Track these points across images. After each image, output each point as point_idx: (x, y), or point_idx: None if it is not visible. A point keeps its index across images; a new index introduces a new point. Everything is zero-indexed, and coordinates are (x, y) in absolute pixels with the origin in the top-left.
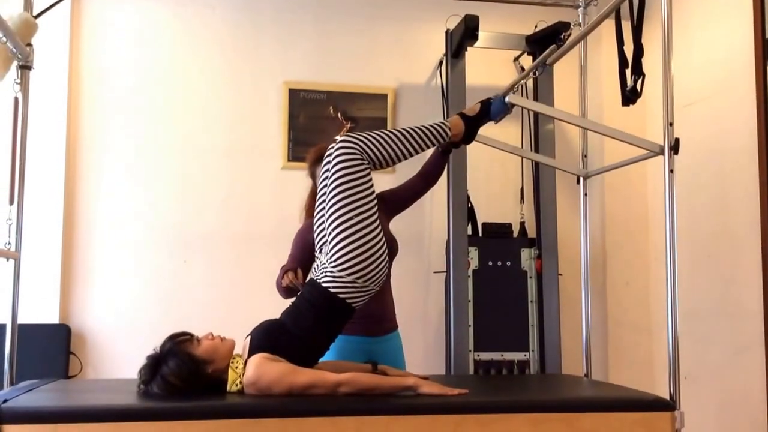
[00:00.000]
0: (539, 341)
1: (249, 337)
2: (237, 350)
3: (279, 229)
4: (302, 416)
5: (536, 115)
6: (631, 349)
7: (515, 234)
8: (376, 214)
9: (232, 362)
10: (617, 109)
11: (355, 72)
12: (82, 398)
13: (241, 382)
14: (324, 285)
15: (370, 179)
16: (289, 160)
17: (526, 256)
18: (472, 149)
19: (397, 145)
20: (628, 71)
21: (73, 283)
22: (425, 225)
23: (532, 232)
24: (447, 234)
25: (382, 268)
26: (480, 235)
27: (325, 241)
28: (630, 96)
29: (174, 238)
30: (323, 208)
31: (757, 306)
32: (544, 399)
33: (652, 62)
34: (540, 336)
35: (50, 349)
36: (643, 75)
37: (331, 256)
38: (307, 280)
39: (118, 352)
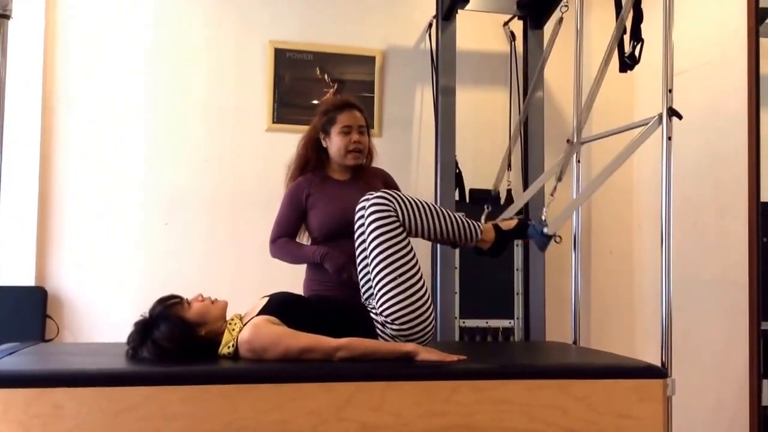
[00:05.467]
0: (524, 308)
1: (264, 298)
2: (242, 311)
3: (263, 191)
4: (297, 382)
5: (525, 81)
6: (614, 316)
7: (502, 201)
8: (420, 272)
9: (230, 323)
10: (607, 76)
11: (343, 33)
12: (69, 362)
13: (233, 345)
14: (372, 318)
15: (407, 238)
16: (274, 122)
17: None
18: (461, 114)
19: (428, 218)
20: (626, 37)
21: (49, 245)
22: (411, 190)
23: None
24: (434, 199)
25: (428, 327)
26: (467, 201)
27: (371, 295)
28: (628, 62)
29: (154, 200)
30: (366, 264)
31: (743, 275)
32: (538, 365)
33: (644, 29)
34: (525, 303)
35: (26, 312)
36: (642, 41)
37: (380, 310)
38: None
39: (95, 316)
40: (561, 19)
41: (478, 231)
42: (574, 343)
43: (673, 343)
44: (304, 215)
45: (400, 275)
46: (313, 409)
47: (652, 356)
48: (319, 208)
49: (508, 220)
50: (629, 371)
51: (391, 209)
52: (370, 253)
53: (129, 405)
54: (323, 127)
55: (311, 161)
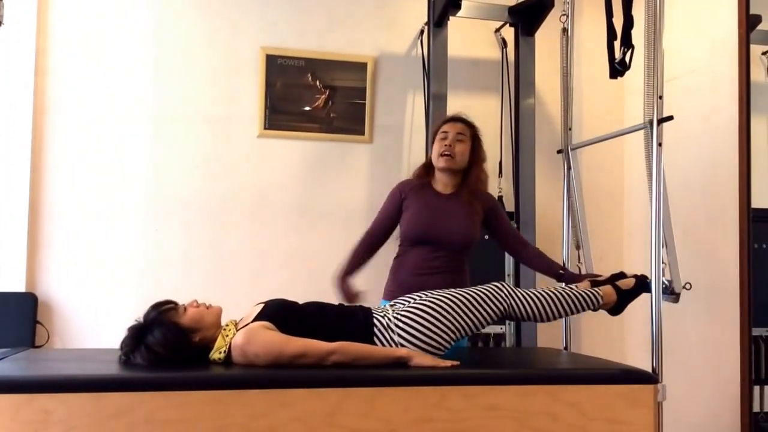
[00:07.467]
0: None
1: (260, 305)
2: (234, 316)
3: (255, 197)
4: (286, 387)
5: (517, 88)
6: (605, 322)
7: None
8: (467, 329)
9: (225, 329)
10: (596, 81)
11: (335, 39)
12: (58, 367)
13: (224, 350)
14: (377, 319)
15: (487, 321)
16: (265, 128)
17: None
18: None
19: (544, 308)
20: (617, 43)
21: (39, 251)
22: None
23: (510, 206)
24: None
25: (437, 352)
26: None
27: (401, 307)
28: (619, 68)
29: (145, 206)
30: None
31: (733, 281)
32: (528, 371)
33: (635, 36)
34: None
35: (16, 318)
36: (632, 47)
37: (403, 315)
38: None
39: (86, 322)
40: (565, 30)
41: (599, 299)
42: (565, 348)
43: (664, 349)
44: (399, 216)
45: (453, 314)
46: (303, 415)
47: (642, 362)
48: (411, 211)
49: (624, 279)
50: (620, 377)
51: (505, 302)
52: (450, 291)
53: (118, 411)
54: (432, 139)
55: (421, 171)
